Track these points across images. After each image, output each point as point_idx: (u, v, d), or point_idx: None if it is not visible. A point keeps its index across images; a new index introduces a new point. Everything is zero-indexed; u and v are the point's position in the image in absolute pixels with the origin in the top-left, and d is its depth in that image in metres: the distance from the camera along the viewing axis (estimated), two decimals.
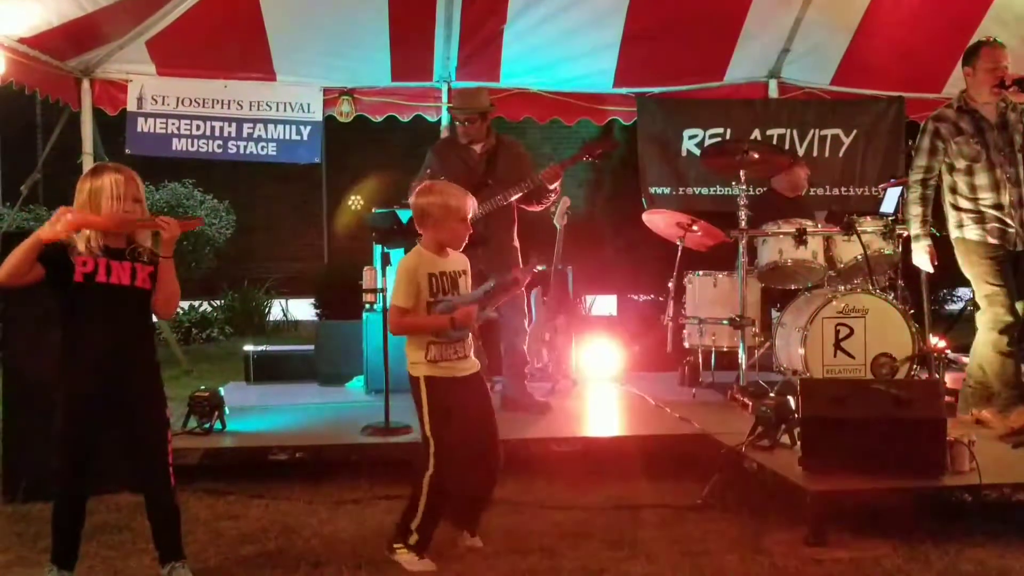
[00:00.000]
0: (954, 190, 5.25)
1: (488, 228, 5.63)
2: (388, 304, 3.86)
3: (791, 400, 4.63)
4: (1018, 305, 5.13)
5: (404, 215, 5.87)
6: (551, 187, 5.76)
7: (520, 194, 5.71)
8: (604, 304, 12.41)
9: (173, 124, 7.48)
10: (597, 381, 7.01)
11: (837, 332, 5.68)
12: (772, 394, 5.67)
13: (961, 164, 5.15)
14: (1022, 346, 5.22)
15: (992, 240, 5.11)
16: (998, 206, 5.09)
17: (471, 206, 3.83)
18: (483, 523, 4.07)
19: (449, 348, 3.72)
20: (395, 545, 3.70)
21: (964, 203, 5.20)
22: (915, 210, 5.30)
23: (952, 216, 5.29)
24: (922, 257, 5.31)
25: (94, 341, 3.35)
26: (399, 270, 3.75)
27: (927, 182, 5.26)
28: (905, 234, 6.16)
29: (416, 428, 3.85)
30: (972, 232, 5.17)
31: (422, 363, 3.70)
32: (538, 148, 10.96)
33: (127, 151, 7.42)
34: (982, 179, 5.10)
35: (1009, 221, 5.08)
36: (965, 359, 5.40)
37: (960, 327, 5.34)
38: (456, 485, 3.75)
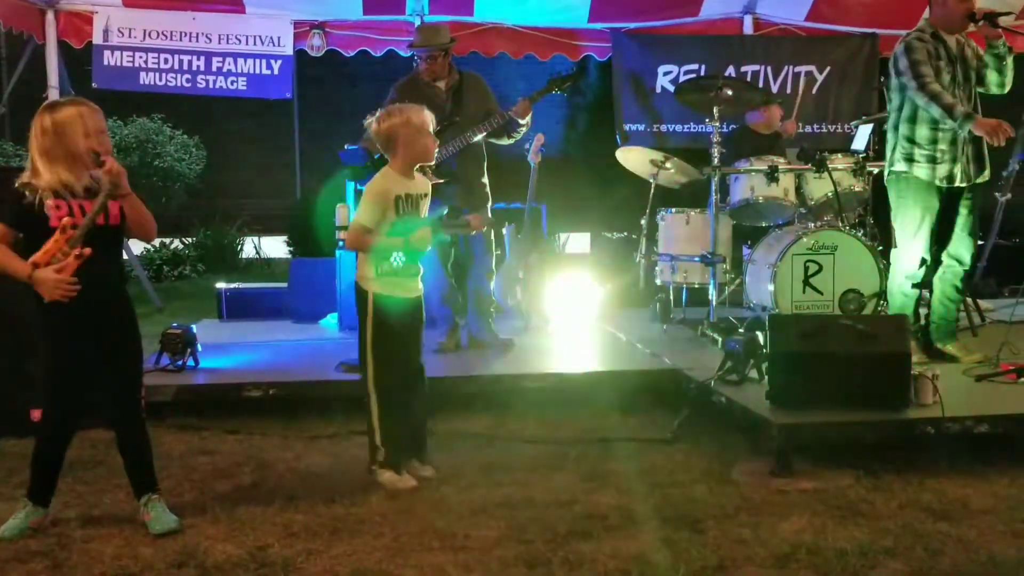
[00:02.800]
0: (914, 119, 5.09)
1: (460, 166, 5.61)
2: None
3: (760, 335, 4.69)
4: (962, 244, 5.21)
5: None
6: (522, 122, 5.73)
7: (491, 129, 5.68)
8: (578, 241, 12.42)
9: (140, 57, 7.34)
10: (570, 318, 7.06)
11: (806, 268, 5.73)
12: (741, 330, 5.74)
13: None
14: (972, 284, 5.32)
15: (939, 183, 5.07)
16: (954, 139, 5.02)
17: (431, 119, 3.97)
18: (459, 457, 4.18)
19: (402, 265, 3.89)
20: (372, 467, 3.90)
21: (922, 134, 5.06)
22: (945, 100, 4.86)
23: (903, 147, 5.13)
24: (984, 125, 4.82)
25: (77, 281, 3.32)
26: (368, 190, 3.90)
27: (931, 84, 4.92)
28: (875, 172, 6.20)
29: None
30: (922, 171, 5.07)
31: (373, 277, 3.88)
32: (512, 84, 10.86)
33: (93, 85, 7.29)
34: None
35: (960, 156, 5.07)
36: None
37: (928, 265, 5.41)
38: (396, 398, 3.94)
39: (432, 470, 4.02)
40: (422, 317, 4.08)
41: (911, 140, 5.13)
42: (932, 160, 5.09)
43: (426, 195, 4.01)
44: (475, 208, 5.63)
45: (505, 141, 5.87)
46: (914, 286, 5.19)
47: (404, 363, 4.00)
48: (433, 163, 4.05)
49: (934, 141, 5.07)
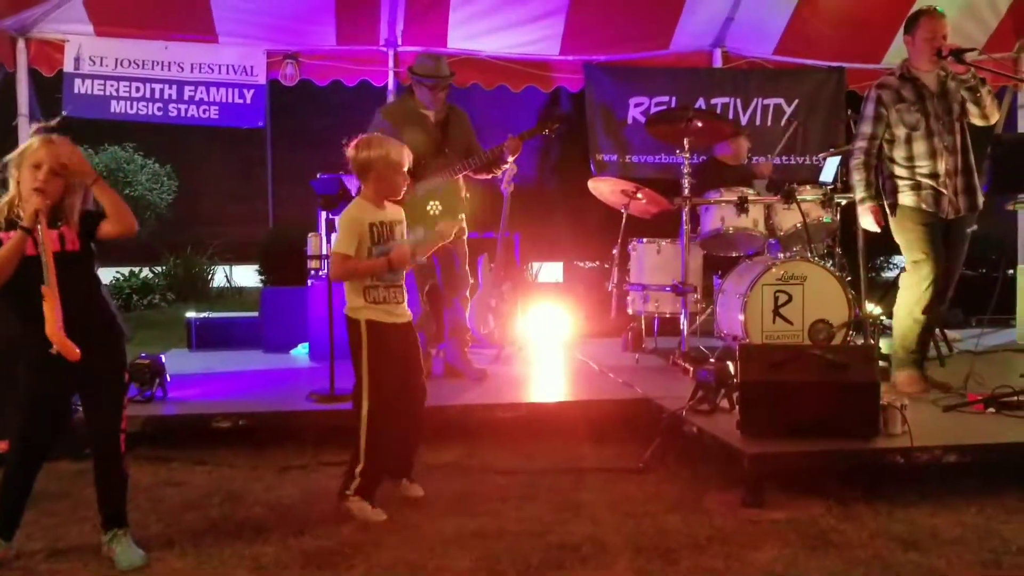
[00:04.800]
0: (892, 159, 5.31)
1: (443, 198, 5.61)
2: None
3: (730, 365, 4.71)
4: None
5: (350, 181, 5.84)
6: (510, 158, 5.76)
7: (479, 164, 5.70)
8: (550, 271, 12.47)
9: (111, 86, 7.31)
10: (542, 347, 7.07)
11: (776, 299, 5.78)
12: (712, 359, 5.78)
13: (901, 132, 5.24)
14: (938, 312, 5.37)
15: (926, 207, 5.21)
16: (934, 174, 5.18)
17: (408, 157, 3.99)
18: (432, 487, 4.16)
19: (389, 291, 3.92)
20: (345, 492, 3.87)
21: (900, 171, 5.26)
22: (859, 175, 5.34)
23: (889, 182, 5.34)
24: (867, 218, 5.33)
25: (41, 313, 3.26)
26: (342, 220, 3.92)
27: (870, 150, 5.32)
28: (843, 203, 6.28)
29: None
30: (907, 198, 5.24)
31: (363, 306, 3.89)
32: (483, 113, 10.91)
33: (63, 112, 7.25)
34: (920, 147, 5.20)
35: (943, 190, 5.20)
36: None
37: (895, 294, 5.47)
38: (388, 429, 3.93)
39: (420, 489, 4.07)
40: (416, 340, 4.07)
41: (892, 174, 5.31)
42: (916, 188, 5.22)
43: (400, 221, 4.03)
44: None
45: (485, 176, 5.91)
46: (922, 313, 5.21)
47: (403, 389, 3.99)
48: (399, 197, 4.04)
49: (911, 168, 5.23)
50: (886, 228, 5.40)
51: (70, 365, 3.29)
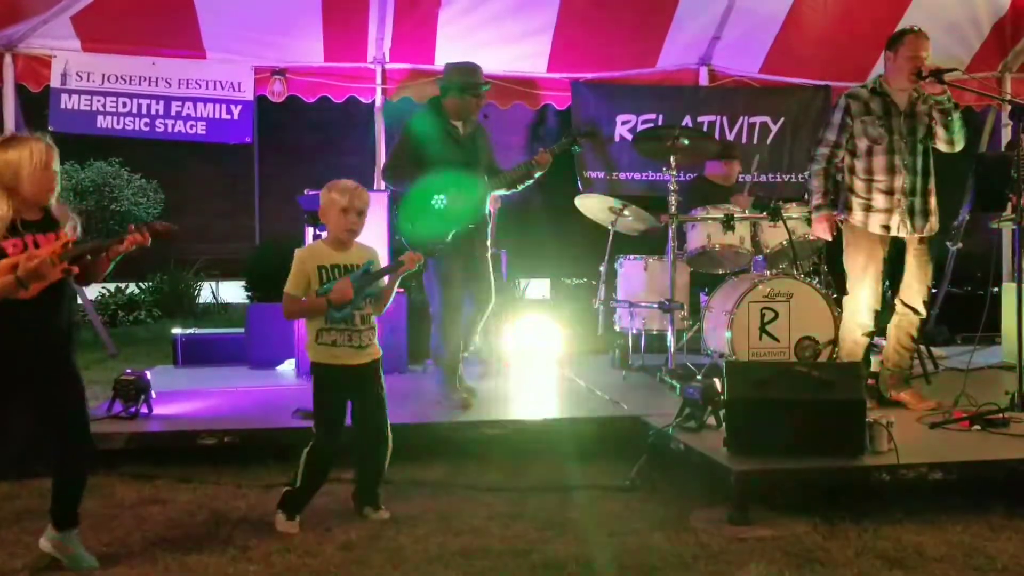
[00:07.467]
0: (851, 170, 5.32)
1: (456, 196, 5.56)
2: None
3: (717, 382, 4.72)
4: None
5: None
6: (537, 174, 5.73)
7: (512, 178, 5.67)
8: (537, 287, 12.47)
9: (98, 101, 7.31)
10: (529, 364, 7.05)
11: (763, 316, 5.79)
12: (699, 376, 5.78)
13: (863, 145, 5.26)
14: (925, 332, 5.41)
15: (873, 231, 5.23)
16: (889, 191, 5.20)
17: (356, 198, 3.93)
18: (416, 505, 4.15)
19: (341, 335, 3.90)
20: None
21: (858, 185, 5.27)
22: (816, 181, 5.36)
23: (844, 195, 5.36)
24: (821, 226, 5.37)
25: (22, 316, 3.25)
26: (294, 259, 3.94)
27: (831, 158, 5.33)
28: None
29: None
30: (858, 218, 5.27)
31: (314, 346, 3.93)
32: None
33: (50, 128, 7.23)
34: (879, 162, 5.22)
35: (896, 207, 5.20)
36: (884, 342, 5.55)
37: (881, 312, 5.49)
38: (327, 462, 3.98)
39: (387, 513, 4.06)
40: (372, 380, 4.02)
41: (850, 188, 5.33)
42: (866, 208, 5.25)
43: (366, 262, 3.98)
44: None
45: (504, 191, 5.88)
46: (864, 334, 5.28)
47: (359, 426, 4.05)
48: (350, 235, 3.98)
49: (868, 191, 5.25)
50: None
51: (21, 374, 3.29)
